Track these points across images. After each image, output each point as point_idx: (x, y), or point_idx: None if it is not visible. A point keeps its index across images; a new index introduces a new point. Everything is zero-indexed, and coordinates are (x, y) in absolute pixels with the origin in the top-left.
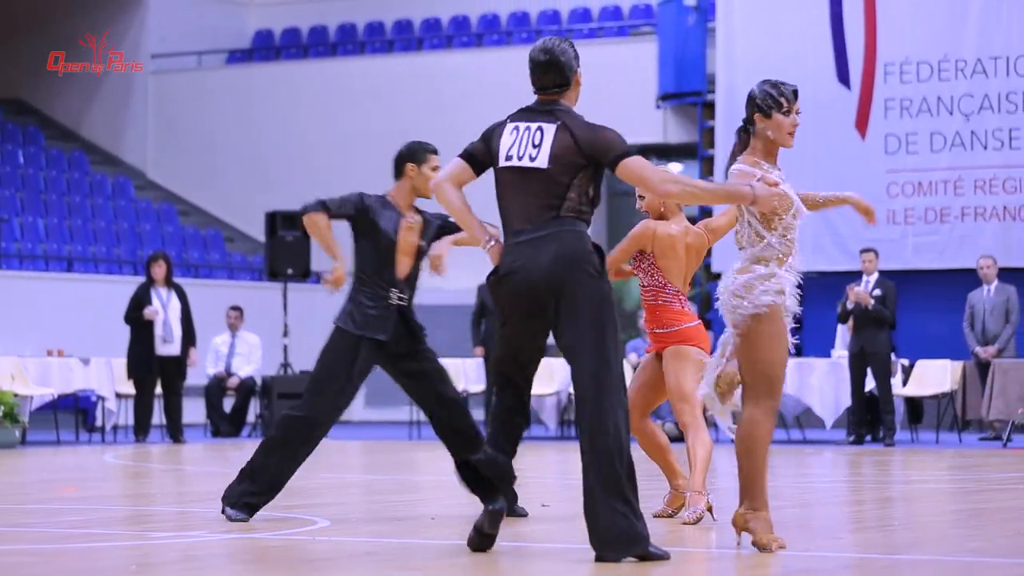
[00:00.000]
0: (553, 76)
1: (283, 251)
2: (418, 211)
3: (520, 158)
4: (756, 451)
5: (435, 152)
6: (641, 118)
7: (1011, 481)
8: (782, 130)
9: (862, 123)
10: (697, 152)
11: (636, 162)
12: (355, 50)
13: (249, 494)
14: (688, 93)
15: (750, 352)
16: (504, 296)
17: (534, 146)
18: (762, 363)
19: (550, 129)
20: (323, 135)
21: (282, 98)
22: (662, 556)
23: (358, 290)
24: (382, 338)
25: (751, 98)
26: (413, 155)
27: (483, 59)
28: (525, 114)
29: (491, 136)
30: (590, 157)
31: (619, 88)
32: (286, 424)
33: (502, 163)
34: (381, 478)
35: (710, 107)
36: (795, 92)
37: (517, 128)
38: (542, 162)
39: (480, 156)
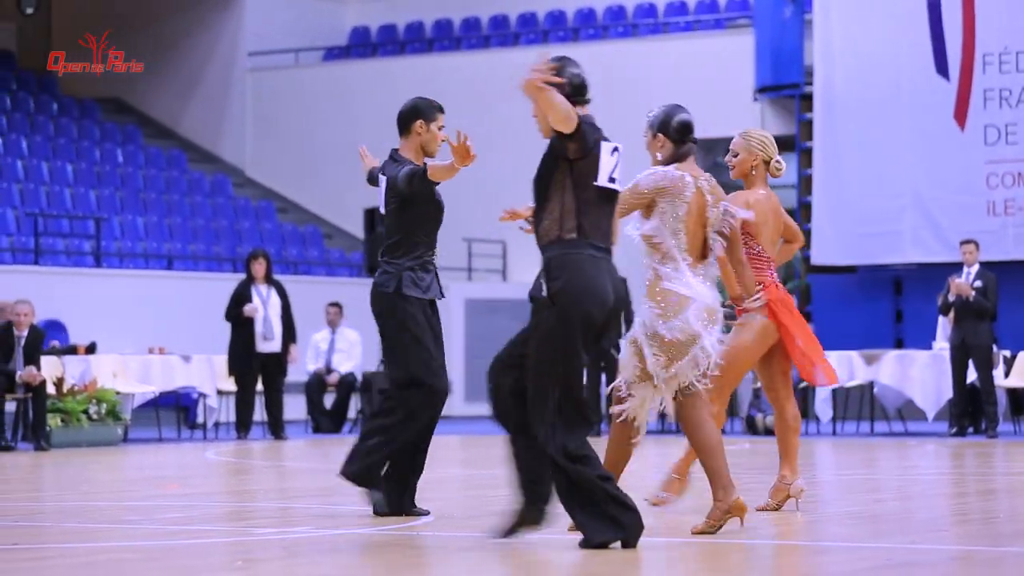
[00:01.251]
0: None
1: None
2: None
3: (619, 182)
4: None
5: (442, 110)
6: (738, 111)
7: None
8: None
9: (961, 114)
10: (795, 144)
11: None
12: (451, 46)
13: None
14: (786, 85)
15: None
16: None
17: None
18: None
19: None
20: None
21: (379, 95)
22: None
23: (408, 255)
24: (439, 298)
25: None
26: (422, 112)
27: (579, 54)
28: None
29: (595, 144)
30: None
31: (716, 81)
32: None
33: (602, 182)
34: (480, 473)
35: (808, 99)
36: None
37: (616, 150)
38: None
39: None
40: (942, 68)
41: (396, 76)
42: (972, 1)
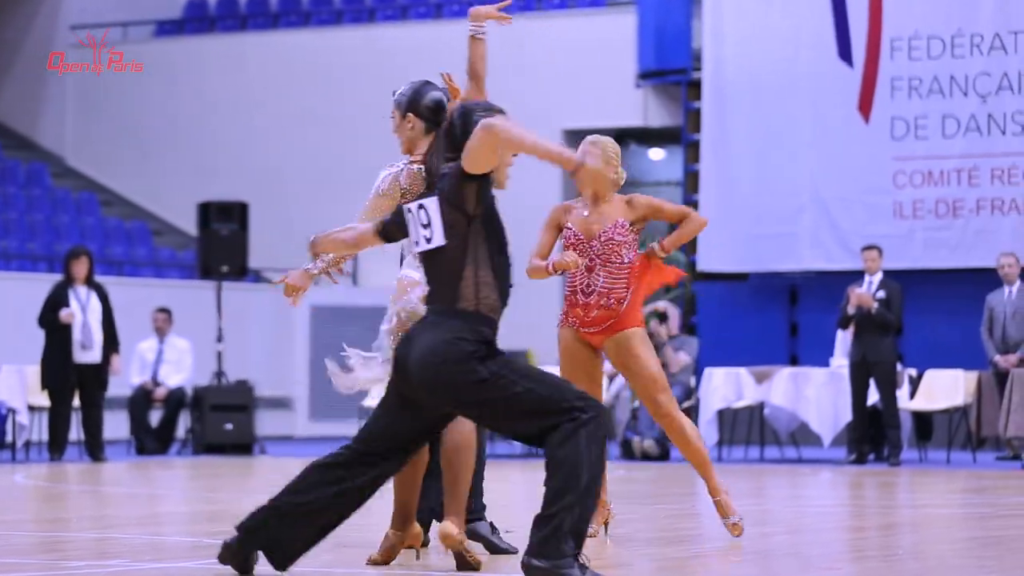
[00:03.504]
0: (450, 139)
1: (217, 246)
2: None
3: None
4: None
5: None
6: (619, 99)
7: None
8: None
9: (866, 105)
10: (681, 136)
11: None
12: (299, 21)
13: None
14: (671, 71)
15: None
16: None
17: (424, 226)
18: None
19: (432, 203)
20: (263, 116)
21: (217, 75)
22: None
23: None
24: None
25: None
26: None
27: (443, 32)
28: (420, 195)
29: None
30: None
31: (595, 66)
32: None
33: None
34: None
35: (696, 86)
36: None
37: (410, 210)
38: (438, 240)
39: None
40: (845, 53)
41: (236, 54)
42: None
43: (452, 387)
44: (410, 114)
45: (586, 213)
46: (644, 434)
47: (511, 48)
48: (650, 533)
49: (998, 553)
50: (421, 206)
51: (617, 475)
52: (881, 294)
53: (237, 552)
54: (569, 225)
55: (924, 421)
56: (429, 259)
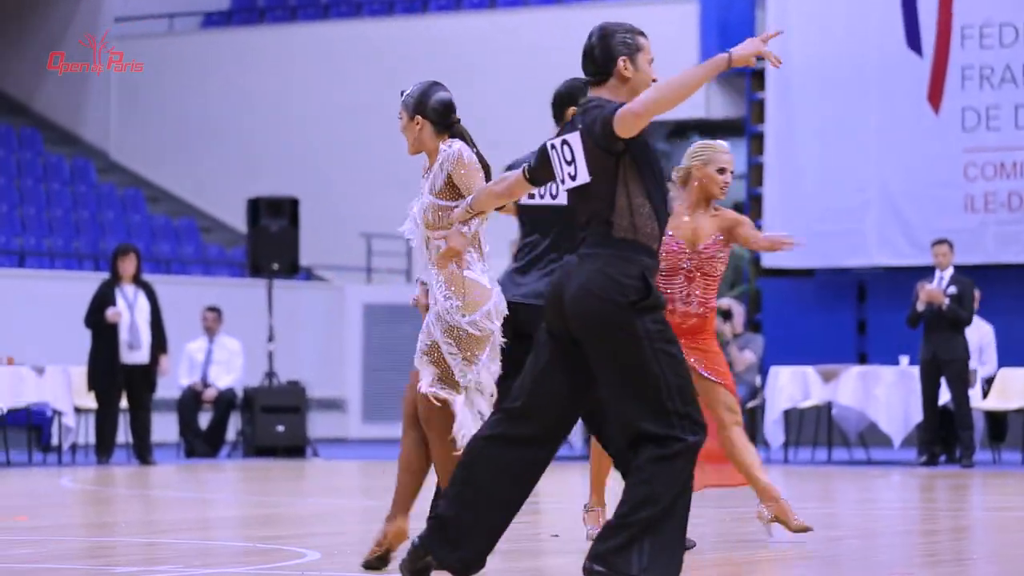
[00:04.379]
0: (588, 64)
1: (267, 243)
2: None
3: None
4: None
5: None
6: None
7: None
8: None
9: (936, 95)
10: (745, 128)
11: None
12: (350, 12)
13: None
14: None
15: None
16: None
17: (568, 162)
18: None
19: (575, 139)
20: (314, 109)
21: (266, 67)
22: None
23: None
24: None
25: None
26: (574, 98)
27: (497, 21)
28: (565, 128)
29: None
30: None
31: (657, 56)
32: None
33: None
34: (380, 503)
35: (760, 77)
36: None
37: (554, 147)
38: (582, 177)
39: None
40: (914, 43)
41: (286, 46)
42: None
43: (605, 329)
44: (418, 115)
45: (686, 219)
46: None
47: (572, 39)
48: (714, 537)
49: None
50: (565, 142)
51: None
52: (952, 290)
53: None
54: (671, 231)
55: (998, 421)
56: (578, 196)
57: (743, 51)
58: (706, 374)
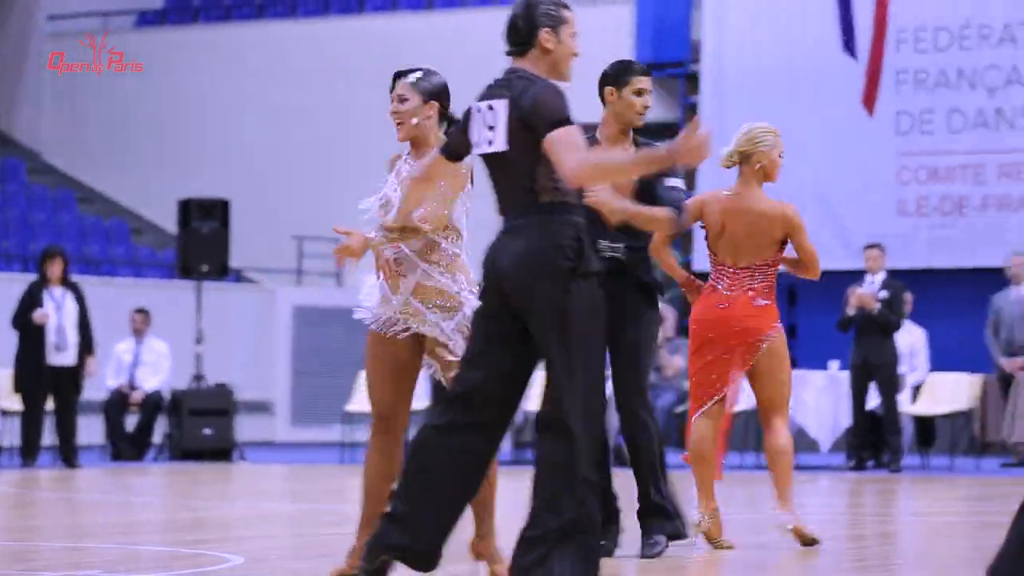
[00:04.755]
0: (512, 34)
1: (198, 245)
2: (634, 142)
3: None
4: None
5: (645, 73)
6: None
7: None
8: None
9: (870, 99)
10: (678, 131)
11: (561, 136)
12: (285, 12)
13: None
14: (669, 63)
15: None
16: None
17: (489, 128)
18: None
19: (501, 105)
20: (246, 111)
21: (200, 68)
22: None
23: None
24: None
25: None
26: (612, 78)
27: (433, 23)
28: (487, 91)
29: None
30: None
31: (590, 57)
32: None
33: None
34: (308, 507)
35: (694, 79)
36: None
37: (479, 109)
38: (500, 145)
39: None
40: (849, 46)
41: (220, 46)
42: None
43: (547, 301)
44: (434, 101)
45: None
46: None
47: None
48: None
49: None
50: (491, 107)
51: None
52: (883, 294)
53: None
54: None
55: (926, 426)
56: (495, 163)
57: (687, 159)
58: None
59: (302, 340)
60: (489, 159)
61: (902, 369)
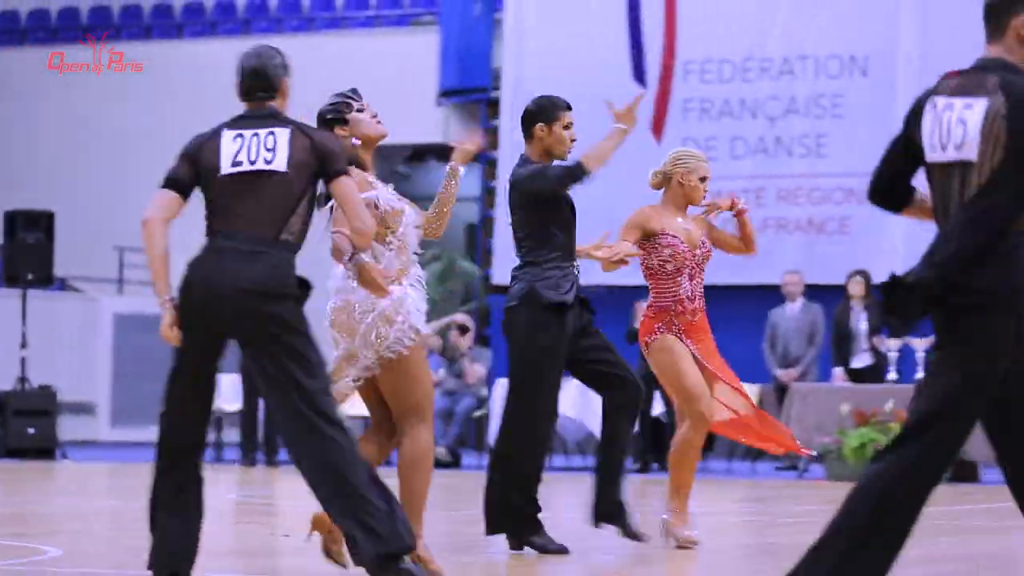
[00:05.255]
0: (261, 83)
1: (23, 254)
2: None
3: (253, 162)
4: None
5: (568, 108)
6: (421, 115)
7: (806, 515)
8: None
9: (658, 125)
10: (479, 154)
11: (349, 186)
12: (111, 35)
13: None
14: (472, 89)
15: (404, 379)
16: None
17: (268, 149)
18: (421, 386)
19: (283, 132)
20: (69, 127)
21: (26, 85)
22: None
23: (547, 263)
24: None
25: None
26: (542, 115)
27: (247, 48)
28: (245, 122)
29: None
30: (320, 160)
31: (398, 82)
32: None
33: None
34: (126, 505)
35: (495, 104)
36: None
37: (242, 135)
38: (280, 164)
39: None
40: (639, 75)
41: (44, 65)
42: (674, 5)
43: (275, 322)
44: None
45: (680, 220)
46: (437, 441)
47: (315, 65)
48: (442, 539)
49: (777, 562)
50: (271, 133)
51: None
52: None
53: None
54: (672, 232)
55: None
56: (255, 181)
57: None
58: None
59: (123, 345)
60: (253, 178)
61: None
